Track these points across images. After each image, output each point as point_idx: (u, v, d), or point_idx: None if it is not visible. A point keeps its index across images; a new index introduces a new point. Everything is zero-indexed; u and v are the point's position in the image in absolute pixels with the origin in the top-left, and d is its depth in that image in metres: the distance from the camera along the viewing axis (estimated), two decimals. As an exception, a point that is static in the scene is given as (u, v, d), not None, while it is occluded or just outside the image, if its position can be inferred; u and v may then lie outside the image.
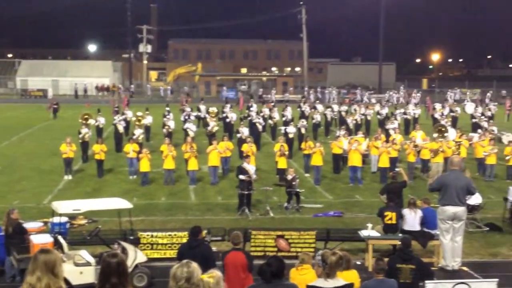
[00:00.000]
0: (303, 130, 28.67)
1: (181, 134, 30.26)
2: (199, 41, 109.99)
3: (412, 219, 13.67)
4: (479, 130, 28.45)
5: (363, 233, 13.72)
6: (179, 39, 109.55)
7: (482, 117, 34.51)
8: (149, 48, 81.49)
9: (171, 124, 30.17)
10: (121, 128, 29.77)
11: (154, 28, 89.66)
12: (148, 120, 31.95)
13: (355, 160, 22.09)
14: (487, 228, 16.12)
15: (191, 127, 29.45)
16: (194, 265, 4.72)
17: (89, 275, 11.58)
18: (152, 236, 13.63)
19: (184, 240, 12.51)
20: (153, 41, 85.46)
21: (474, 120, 34.88)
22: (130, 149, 22.90)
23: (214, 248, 12.53)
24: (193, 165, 21.90)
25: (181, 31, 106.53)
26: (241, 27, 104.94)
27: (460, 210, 12.48)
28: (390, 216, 13.72)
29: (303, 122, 29.84)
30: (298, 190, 18.56)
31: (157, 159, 23.60)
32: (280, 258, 7.10)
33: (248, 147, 22.18)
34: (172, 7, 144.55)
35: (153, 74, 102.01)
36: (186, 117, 32.63)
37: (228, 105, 35.82)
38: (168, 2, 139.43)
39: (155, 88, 77.50)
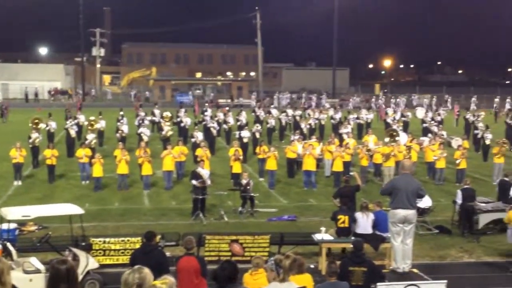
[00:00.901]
0: (257, 135, 28.77)
1: (135, 138, 29.98)
2: (153, 45, 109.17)
3: (364, 222, 13.87)
4: (429, 135, 29.00)
5: (317, 236, 13.84)
6: (133, 43, 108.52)
7: (432, 122, 35.24)
8: (102, 52, 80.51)
9: (125, 128, 29.85)
10: (73, 133, 29.29)
11: (107, 32, 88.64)
12: (101, 124, 31.55)
13: (309, 164, 22.27)
14: (437, 231, 16.46)
15: (145, 132, 29.20)
16: (146, 271, 4.68)
17: (39, 282, 11.34)
18: (104, 242, 13.44)
19: (138, 246, 12.37)
20: (106, 45, 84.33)
21: (424, 125, 35.58)
22: (82, 154, 22.58)
23: (168, 253, 12.44)
24: (147, 170, 21.73)
25: (135, 35, 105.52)
26: (196, 31, 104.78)
27: (411, 213, 12.69)
28: (343, 220, 13.90)
29: (258, 126, 29.94)
30: (252, 194, 18.61)
31: (110, 164, 23.32)
32: (234, 262, 7.11)
33: (203, 152, 22.13)
34: (126, 10, 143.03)
35: (107, 78, 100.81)
36: (140, 122, 32.35)
37: (183, 110, 35.64)
38: (122, 5, 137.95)
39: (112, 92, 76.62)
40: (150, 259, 8.87)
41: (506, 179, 18.08)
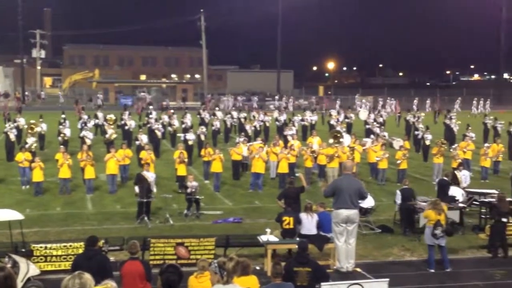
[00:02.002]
0: (202, 137, 28.68)
1: (78, 142, 29.43)
2: (96, 47, 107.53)
3: (308, 223, 14.02)
4: (372, 136, 29.56)
5: (262, 238, 13.89)
6: (75, 45, 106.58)
7: (375, 123, 35.91)
8: (43, 54, 78.78)
9: (67, 132, 29.27)
10: (12, 136, 28.50)
11: (48, 33, 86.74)
12: (42, 127, 30.85)
13: (258, 167, 22.36)
14: (380, 230, 16.77)
15: (88, 135, 28.71)
16: (87, 276, 4.61)
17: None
18: (45, 248, 13.13)
19: (81, 251, 12.16)
20: (47, 46, 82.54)
21: (367, 126, 36.22)
22: (22, 158, 22.02)
23: (112, 258, 12.27)
24: (89, 173, 21.36)
25: (77, 36, 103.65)
26: (140, 33, 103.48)
27: (353, 213, 12.92)
28: (288, 221, 14.00)
29: (203, 129, 29.86)
30: (197, 197, 18.54)
31: (52, 168, 22.82)
32: (177, 265, 7.07)
33: (147, 155, 21.94)
34: (67, 11, 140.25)
35: (48, 80, 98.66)
36: (83, 125, 31.80)
37: (127, 112, 35.21)
38: (63, 6, 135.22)
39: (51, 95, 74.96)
40: (93, 264, 8.74)
41: (445, 178, 18.59)
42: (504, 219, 14.82)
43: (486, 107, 60.73)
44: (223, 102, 64.05)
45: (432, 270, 13.66)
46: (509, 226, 15.19)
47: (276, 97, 67.81)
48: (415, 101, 59.36)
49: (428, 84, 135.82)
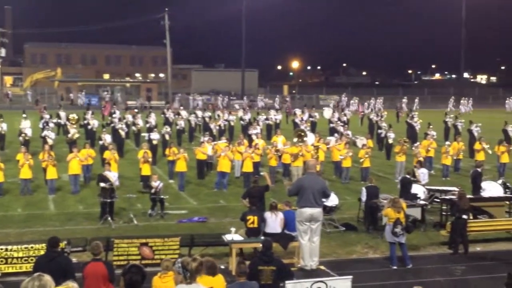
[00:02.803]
0: (167, 137, 28.52)
1: (39, 142, 28.98)
2: (58, 45, 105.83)
3: (273, 222, 14.07)
4: (336, 135, 29.81)
5: (227, 237, 13.89)
6: (36, 43, 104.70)
7: (338, 122, 36.21)
8: (3, 52, 77.26)
9: (28, 131, 28.79)
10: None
11: (8, 31, 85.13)
12: (2, 127, 30.29)
13: (224, 165, 22.34)
14: (344, 228, 16.92)
15: (50, 135, 28.27)
16: (47, 278, 4.55)
17: None
18: (6, 250, 12.91)
19: (42, 253, 11.97)
20: (7, 45, 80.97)
21: (331, 125, 36.51)
22: (-18, 158, 21.57)
23: (74, 259, 12.13)
24: (51, 173, 21.05)
25: (39, 35, 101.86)
26: (103, 31, 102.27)
27: (317, 211, 13.01)
28: (252, 220, 14.03)
29: (167, 128, 29.70)
30: (162, 196, 18.44)
31: (13, 168, 22.46)
32: (140, 266, 7.03)
33: (111, 154, 21.74)
34: (28, 9, 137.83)
35: (8, 79, 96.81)
36: (45, 124, 31.32)
37: (90, 112, 34.83)
38: (24, 4, 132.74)
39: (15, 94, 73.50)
40: (55, 266, 8.63)
41: (408, 176, 18.87)
42: (465, 216, 15.11)
43: (469, 106, 61.94)
44: (191, 102, 63.88)
45: (395, 267, 13.85)
46: (470, 223, 15.49)
47: (245, 97, 67.98)
48: (379, 100, 60.04)
49: (390, 83, 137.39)
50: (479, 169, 19.64)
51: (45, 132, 28.58)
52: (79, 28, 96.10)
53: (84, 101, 63.30)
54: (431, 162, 26.01)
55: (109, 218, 17.16)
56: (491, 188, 19.14)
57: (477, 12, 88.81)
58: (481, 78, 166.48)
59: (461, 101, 62.31)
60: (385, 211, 14.43)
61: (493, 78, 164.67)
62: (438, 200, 18.31)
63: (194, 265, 7.30)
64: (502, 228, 16.09)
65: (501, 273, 12.68)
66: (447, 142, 27.33)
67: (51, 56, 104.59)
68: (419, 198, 17.77)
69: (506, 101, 66.17)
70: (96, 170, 22.58)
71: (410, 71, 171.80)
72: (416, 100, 63.81)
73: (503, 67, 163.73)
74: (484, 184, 19.26)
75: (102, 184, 17.59)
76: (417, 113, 38.73)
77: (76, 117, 32.98)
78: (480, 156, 25.22)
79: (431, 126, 29.84)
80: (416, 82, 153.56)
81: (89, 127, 32.39)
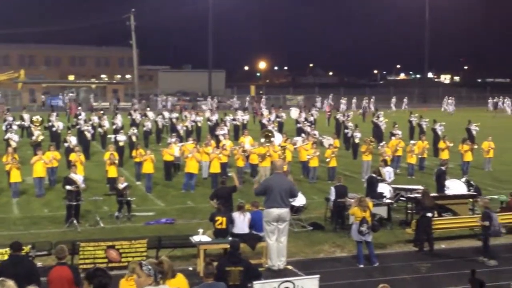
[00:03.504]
0: (134, 138, 28.31)
1: (3, 144, 28.48)
2: (21, 46, 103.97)
3: (241, 222, 14.10)
4: (303, 135, 29.96)
5: (195, 238, 13.86)
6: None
7: (306, 122, 36.40)
8: (-36, 53, 75.77)
9: (-9, 134, 28.31)
10: None
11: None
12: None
13: (192, 167, 22.27)
14: (311, 228, 17.02)
15: (13, 137, 27.83)
16: (9, 283, 4.49)
17: None
18: (-31, 255, 12.66)
19: (6, 257, 11.78)
20: (-31, 46, 79.48)
21: (298, 125, 36.68)
22: None
23: (39, 264, 11.99)
24: (15, 177, 20.73)
25: (1, 36, 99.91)
26: (67, 32, 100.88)
27: (284, 211, 13.06)
28: (221, 221, 14.02)
29: (134, 130, 29.47)
30: (129, 198, 18.31)
31: (-25, 172, 22.03)
32: (104, 268, 6.96)
33: (76, 157, 21.49)
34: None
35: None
36: (8, 127, 30.83)
37: (54, 114, 34.40)
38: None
39: None
40: (19, 270, 8.51)
41: (374, 175, 19.06)
42: (429, 214, 15.33)
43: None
44: (158, 103, 63.57)
45: (361, 265, 13.99)
46: (435, 221, 15.73)
47: (209, 97, 67.79)
48: (344, 101, 60.47)
49: (357, 83, 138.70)
50: (443, 168, 19.94)
51: (8, 135, 28.13)
52: (43, 28, 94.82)
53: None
54: (398, 161, 26.32)
55: (75, 221, 16.97)
56: (455, 186, 19.47)
57: (440, 12, 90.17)
58: (445, 78, 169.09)
59: (448, 101, 63.16)
60: (351, 210, 14.58)
61: (457, 78, 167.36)
62: (404, 199, 18.54)
63: (166, 267, 7.26)
64: (466, 226, 16.36)
65: (465, 269, 12.94)
66: (412, 141, 27.71)
67: (14, 57, 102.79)
68: (385, 197, 17.98)
69: (489, 100, 67.20)
70: (62, 173, 22.30)
71: (375, 71, 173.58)
72: (405, 100, 64.70)
73: (466, 67, 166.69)
74: (448, 182, 19.57)
75: (68, 187, 17.38)
76: (382, 113, 39.16)
77: (40, 119, 32.57)
78: (444, 155, 25.62)
79: (396, 126, 30.21)
80: (381, 82, 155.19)
81: (54, 129, 31.98)
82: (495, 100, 65.67)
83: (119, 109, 53.18)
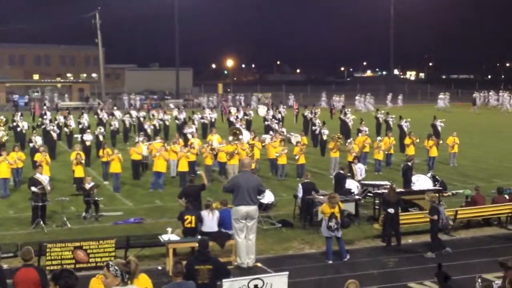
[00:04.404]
0: (101, 137, 28.03)
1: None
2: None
3: (210, 221, 14.10)
4: (271, 132, 30.01)
5: (163, 237, 13.81)
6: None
7: (273, 119, 36.49)
8: None
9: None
10: None
11: None
12: None
13: (159, 165, 22.16)
14: (280, 225, 17.08)
15: (-23, 138, 27.34)
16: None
17: None
18: None
19: (-29, 260, 11.59)
20: None
21: (266, 123, 36.76)
22: None
23: (5, 266, 11.80)
24: (-20, 178, 20.36)
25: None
26: (32, 31, 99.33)
27: (252, 209, 13.10)
28: (190, 220, 14.01)
29: (101, 129, 29.17)
30: (96, 198, 18.14)
31: None
32: (70, 269, 6.90)
33: (42, 157, 21.20)
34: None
35: None
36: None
37: (19, 113, 33.87)
38: None
39: None
40: (-16, 273, 8.35)
41: (342, 172, 19.22)
42: (390, 210, 15.41)
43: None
44: (125, 102, 63.04)
45: (330, 261, 14.10)
46: (401, 216, 15.92)
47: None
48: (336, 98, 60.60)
49: (324, 80, 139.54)
50: (409, 163, 20.21)
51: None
52: (6, 27, 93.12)
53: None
54: (365, 158, 26.56)
55: (41, 222, 16.74)
56: (422, 181, 19.76)
57: (405, 9, 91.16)
58: (410, 75, 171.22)
59: (440, 97, 63.73)
60: (321, 206, 14.67)
61: (422, 74, 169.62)
62: (371, 195, 18.74)
63: (133, 267, 7.20)
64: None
65: (431, 263, 13.15)
66: (379, 138, 28.00)
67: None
68: (353, 193, 18.14)
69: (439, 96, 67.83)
70: (27, 174, 21.96)
71: (342, 68, 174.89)
72: (400, 97, 65.22)
73: (430, 63, 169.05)
74: (414, 178, 19.84)
75: (33, 189, 17.14)
76: (349, 110, 39.47)
77: (4, 119, 32.07)
78: (410, 151, 25.96)
79: (363, 122, 30.48)
80: (348, 79, 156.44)
81: (19, 129, 31.50)
82: (474, 95, 65.89)
83: (85, 108, 52.65)
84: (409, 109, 56.85)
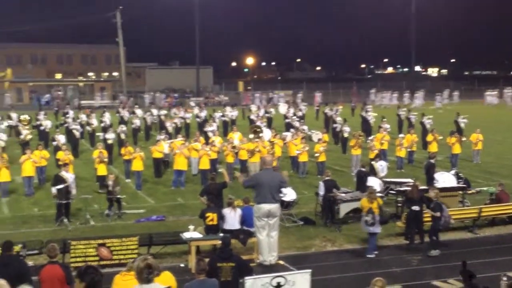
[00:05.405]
0: (122, 136, 28.22)
1: (-9, 144, 28.30)
2: (7, 45, 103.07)
3: (232, 218, 14.10)
4: (292, 130, 29.97)
5: (185, 235, 13.86)
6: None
7: (294, 117, 36.43)
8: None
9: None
10: None
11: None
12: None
13: (180, 163, 22.24)
14: (302, 222, 17.05)
15: (1, 137, 27.70)
16: (2, 283, 4.48)
17: None
18: (-41, 256, 12.58)
19: (-3, 257, 11.72)
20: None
21: (287, 120, 36.70)
22: None
23: (30, 263, 11.94)
24: (4, 176, 20.59)
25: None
26: (54, 30, 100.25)
27: (274, 207, 13.08)
28: (211, 217, 14.02)
29: (122, 127, 29.38)
30: (119, 196, 18.26)
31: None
32: (95, 266, 6.95)
33: (65, 155, 21.40)
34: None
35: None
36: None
37: (42, 112, 34.23)
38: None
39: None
40: (10, 270, 8.47)
41: (363, 169, 19.12)
42: (414, 207, 15.29)
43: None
44: (146, 100, 63.40)
45: (371, 256, 14.11)
46: (425, 214, 15.77)
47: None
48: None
49: (344, 77, 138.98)
50: (432, 160, 20.04)
51: (-4, 134, 27.98)
52: (30, 27, 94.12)
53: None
54: (385, 155, 26.38)
55: (65, 220, 16.91)
56: (444, 179, 19.56)
57: (427, 5, 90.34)
58: (432, 71, 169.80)
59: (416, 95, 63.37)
60: (360, 201, 14.78)
61: (444, 71, 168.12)
62: (394, 192, 18.62)
63: (141, 265, 7.22)
64: (456, 218, 16.44)
65: (455, 261, 13.02)
66: (401, 135, 27.81)
67: (1, 56, 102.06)
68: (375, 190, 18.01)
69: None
70: (50, 172, 22.18)
71: (363, 66, 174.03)
72: (419, 95, 64.79)
73: (453, 60, 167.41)
74: (437, 175, 19.66)
75: (53, 190, 17.29)
76: (371, 107, 39.25)
77: (28, 118, 32.43)
78: (432, 148, 25.75)
79: (384, 119, 30.31)
80: (369, 76, 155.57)
81: (42, 128, 31.83)
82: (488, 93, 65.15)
83: (107, 107, 52.98)
84: (432, 106, 56.37)
